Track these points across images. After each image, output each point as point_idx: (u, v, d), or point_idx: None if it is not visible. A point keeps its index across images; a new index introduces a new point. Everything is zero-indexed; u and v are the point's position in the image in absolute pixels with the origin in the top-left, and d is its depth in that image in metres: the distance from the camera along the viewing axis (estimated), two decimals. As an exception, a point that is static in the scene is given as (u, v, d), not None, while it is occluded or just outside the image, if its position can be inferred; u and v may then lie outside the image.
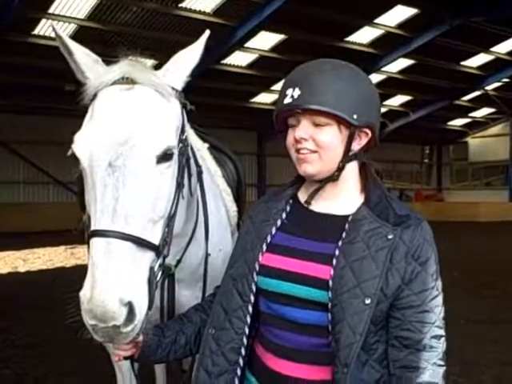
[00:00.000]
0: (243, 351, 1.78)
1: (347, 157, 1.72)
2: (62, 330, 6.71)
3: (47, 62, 18.16)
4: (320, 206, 1.78)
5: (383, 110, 28.82)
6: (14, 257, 13.78)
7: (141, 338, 1.80)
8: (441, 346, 1.72)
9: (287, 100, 1.69)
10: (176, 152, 1.82)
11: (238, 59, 19.89)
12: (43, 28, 16.51)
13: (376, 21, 18.82)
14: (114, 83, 1.79)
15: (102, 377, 5.10)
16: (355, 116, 1.67)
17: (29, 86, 20.08)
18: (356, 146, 1.74)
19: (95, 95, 1.81)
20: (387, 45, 20.45)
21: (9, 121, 22.12)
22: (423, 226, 1.69)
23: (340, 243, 1.68)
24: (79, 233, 3.66)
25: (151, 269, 1.68)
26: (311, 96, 1.66)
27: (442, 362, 1.71)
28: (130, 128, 1.70)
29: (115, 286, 1.53)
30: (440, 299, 1.69)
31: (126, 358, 1.84)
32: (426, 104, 28.02)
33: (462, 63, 23.74)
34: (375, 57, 21.29)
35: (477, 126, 34.59)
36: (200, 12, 16.43)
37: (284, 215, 1.82)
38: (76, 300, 1.62)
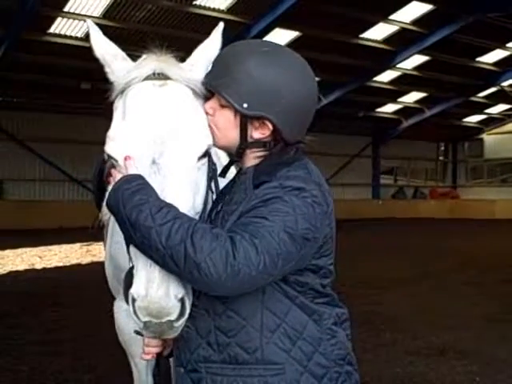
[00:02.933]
0: None
1: (246, 142, 1.76)
2: (77, 326, 6.82)
3: (63, 61, 18.34)
4: None
5: (398, 106, 28.75)
6: (31, 254, 13.90)
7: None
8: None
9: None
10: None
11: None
12: (59, 26, 16.63)
13: (391, 17, 18.74)
14: (146, 79, 1.78)
15: (118, 373, 5.14)
16: (245, 105, 1.70)
17: (44, 84, 20.25)
18: (257, 134, 1.75)
19: (124, 91, 1.79)
20: (402, 41, 20.35)
21: (24, 119, 22.34)
22: (282, 182, 1.64)
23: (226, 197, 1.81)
24: (96, 230, 3.70)
25: None
26: (213, 75, 1.77)
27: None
28: (173, 125, 1.70)
29: (170, 283, 1.57)
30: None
31: (157, 355, 1.87)
32: (441, 101, 27.85)
33: (478, 59, 23.56)
34: (390, 53, 21.20)
35: (492, 122, 34.31)
36: (214, 9, 16.47)
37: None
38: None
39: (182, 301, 1.59)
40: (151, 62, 1.81)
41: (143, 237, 1.53)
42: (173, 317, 1.58)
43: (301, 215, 1.60)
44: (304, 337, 1.70)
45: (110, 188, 1.69)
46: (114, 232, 2.87)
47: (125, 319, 2.90)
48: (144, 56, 1.87)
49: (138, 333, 1.99)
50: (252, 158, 1.79)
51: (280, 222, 1.56)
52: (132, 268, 1.67)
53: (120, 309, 3.00)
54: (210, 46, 1.92)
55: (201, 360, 1.72)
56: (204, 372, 1.71)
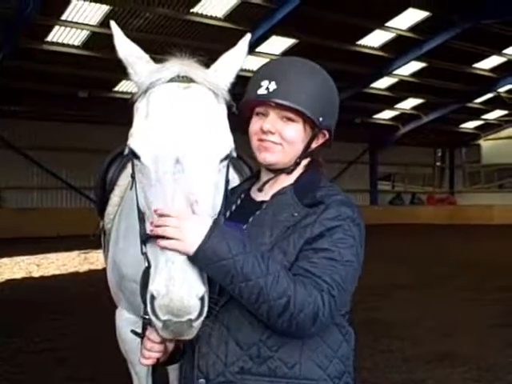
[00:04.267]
0: None
1: (306, 153, 1.86)
2: (76, 334, 6.80)
3: (61, 69, 18.37)
4: (267, 195, 1.89)
5: (395, 113, 28.84)
6: (28, 262, 13.87)
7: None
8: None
9: (262, 91, 1.79)
10: None
11: (249, 64, 19.94)
12: (56, 34, 16.65)
13: (387, 24, 18.82)
14: (171, 80, 1.78)
15: (118, 382, 5.13)
16: (321, 119, 1.81)
17: (42, 92, 20.24)
18: (314, 144, 1.87)
19: (147, 91, 1.79)
20: (399, 48, 20.43)
21: (22, 127, 22.32)
22: (338, 209, 1.75)
23: (251, 219, 1.83)
24: (97, 238, 3.70)
25: None
26: (287, 93, 1.77)
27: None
28: (197, 126, 1.71)
29: (192, 282, 1.57)
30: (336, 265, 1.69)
31: (158, 361, 1.84)
32: (438, 107, 27.93)
33: (475, 65, 23.65)
34: (387, 60, 21.28)
35: (489, 128, 34.40)
36: (212, 17, 16.52)
37: (234, 207, 1.95)
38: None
39: (201, 299, 1.59)
40: (176, 64, 1.82)
41: (247, 286, 1.58)
42: (193, 315, 1.57)
43: (359, 243, 1.75)
44: (338, 355, 1.78)
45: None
46: (118, 240, 2.88)
47: (126, 328, 2.88)
48: (168, 60, 1.87)
49: (135, 333, 1.98)
50: (296, 171, 1.88)
51: (349, 266, 1.69)
52: (148, 267, 1.67)
53: (121, 317, 2.99)
54: (236, 55, 1.94)
55: (238, 372, 1.72)
56: None
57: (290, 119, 1.80)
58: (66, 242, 17.26)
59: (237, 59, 1.94)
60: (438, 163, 37.79)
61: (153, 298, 1.58)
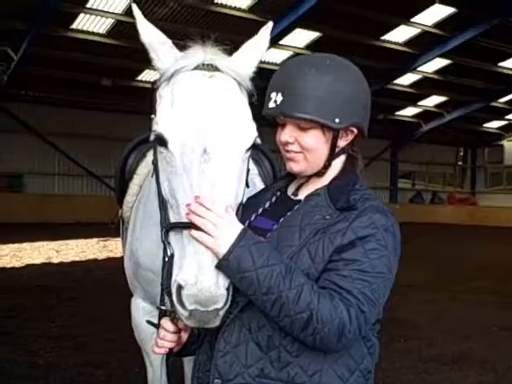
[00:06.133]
0: None
1: (333, 155, 1.80)
2: (92, 321, 6.85)
3: (84, 57, 18.48)
4: (302, 195, 1.86)
5: (418, 110, 28.54)
6: (48, 247, 14.02)
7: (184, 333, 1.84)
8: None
9: (271, 104, 1.75)
10: None
11: (273, 56, 19.88)
12: (81, 22, 16.73)
13: (413, 20, 18.60)
14: (196, 68, 1.78)
15: (130, 369, 5.16)
16: (337, 120, 1.72)
17: (65, 79, 20.41)
18: (342, 142, 1.81)
19: (171, 78, 1.78)
20: (423, 44, 20.20)
21: (45, 113, 22.55)
22: (371, 216, 1.69)
23: (282, 219, 1.79)
24: (116, 226, 3.71)
25: None
26: (293, 103, 1.71)
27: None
28: (223, 116, 1.70)
29: (219, 272, 1.58)
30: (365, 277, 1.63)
31: (170, 351, 1.84)
32: (461, 105, 27.59)
33: (500, 64, 23.29)
34: (411, 56, 21.05)
35: (513, 128, 33.94)
36: (236, 8, 16.47)
37: (267, 204, 1.91)
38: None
39: (227, 289, 1.60)
40: (200, 52, 1.81)
41: (270, 298, 1.56)
42: (219, 305, 1.58)
43: (392, 253, 1.69)
44: (360, 368, 1.74)
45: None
46: (135, 229, 2.88)
47: (141, 317, 2.90)
48: (191, 46, 1.86)
49: (150, 323, 2.00)
50: (331, 171, 1.83)
51: (380, 278, 1.65)
52: (171, 257, 1.66)
53: (137, 306, 3.00)
54: (258, 44, 1.93)
55: (258, 375, 1.68)
56: None
57: (306, 127, 1.74)
58: (85, 229, 17.42)
59: (259, 48, 1.94)
60: (460, 162, 37.42)
61: (180, 287, 1.58)
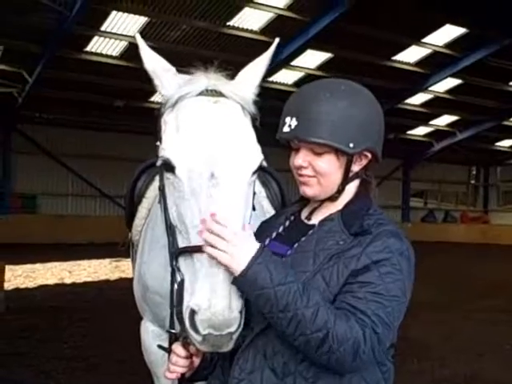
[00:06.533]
0: None
1: (347, 179, 1.80)
2: (106, 342, 6.85)
3: (98, 79, 18.69)
4: (316, 219, 1.85)
5: (430, 129, 28.50)
6: (61, 268, 14.07)
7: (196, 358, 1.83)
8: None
9: (286, 129, 1.76)
10: None
11: (284, 77, 20.00)
12: (95, 45, 16.96)
13: (423, 40, 18.66)
14: (200, 94, 1.80)
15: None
16: (351, 145, 1.73)
17: (79, 101, 20.62)
18: (356, 167, 1.82)
19: (176, 105, 1.81)
20: (435, 64, 20.23)
21: (59, 134, 22.76)
22: (386, 240, 1.69)
23: (296, 245, 1.79)
24: (126, 249, 3.73)
25: None
26: (307, 128, 1.72)
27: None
28: (229, 141, 1.72)
29: (232, 295, 1.58)
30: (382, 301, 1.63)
31: (182, 376, 1.83)
32: (473, 124, 27.52)
33: (511, 83, 23.27)
34: (422, 76, 21.08)
35: (525, 147, 33.74)
36: (247, 30, 16.61)
37: (281, 228, 1.91)
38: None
39: (240, 313, 1.60)
40: (203, 78, 1.84)
41: (286, 316, 1.54)
42: (233, 328, 1.58)
43: (407, 277, 1.68)
44: None
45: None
46: (144, 252, 2.88)
47: (151, 340, 2.89)
48: (194, 73, 1.89)
49: (161, 347, 1.97)
50: (345, 195, 1.82)
51: (395, 301, 1.63)
52: (181, 283, 1.66)
53: (147, 329, 2.99)
54: (257, 65, 1.97)
55: None
56: None
57: (320, 152, 1.75)
58: (98, 250, 17.46)
59: (258, 69, 1.96)
60: (473, 181, 37.21)
61: (193, 312, 1.57)
